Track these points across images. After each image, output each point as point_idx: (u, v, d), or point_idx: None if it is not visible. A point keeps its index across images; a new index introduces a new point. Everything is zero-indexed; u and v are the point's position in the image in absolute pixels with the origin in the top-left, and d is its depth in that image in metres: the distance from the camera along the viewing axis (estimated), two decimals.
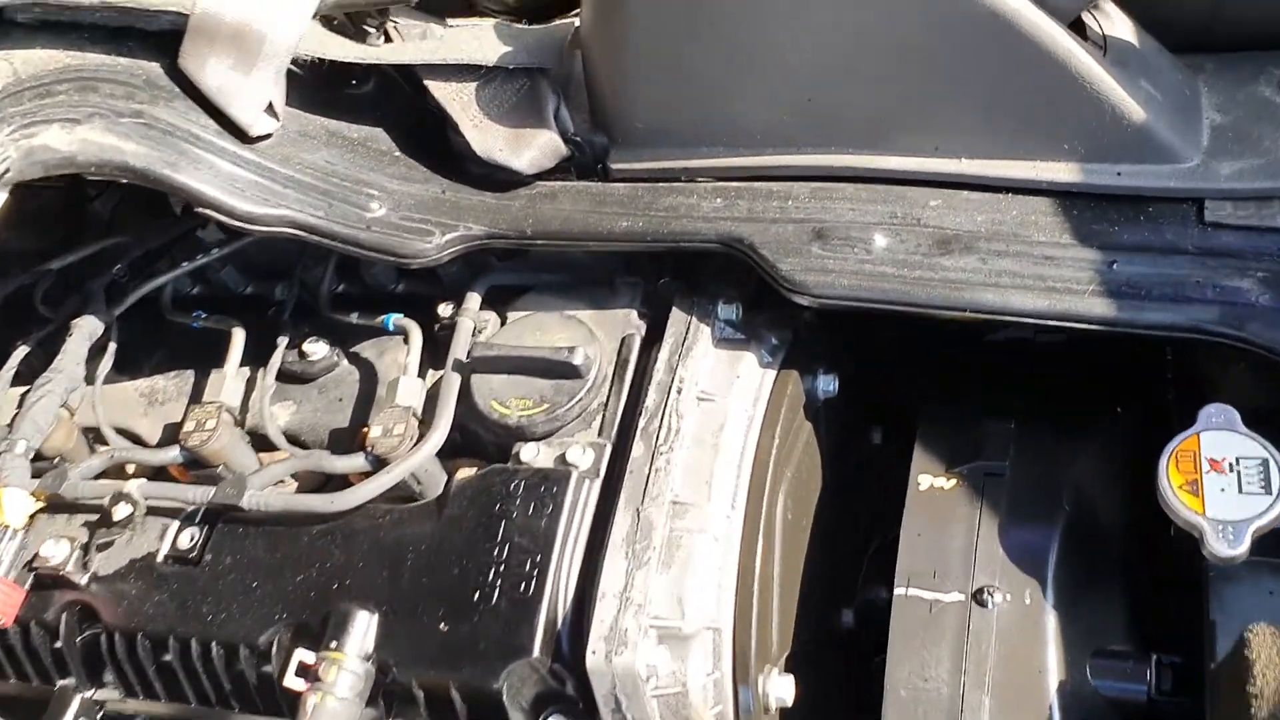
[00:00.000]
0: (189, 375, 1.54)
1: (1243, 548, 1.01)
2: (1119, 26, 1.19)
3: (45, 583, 1.34)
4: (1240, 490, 1.03)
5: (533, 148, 1.33)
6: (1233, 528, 1.02)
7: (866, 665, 1.32)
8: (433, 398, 1.33)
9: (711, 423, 1.23)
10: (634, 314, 1.36)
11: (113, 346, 1.54)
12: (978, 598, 1.14)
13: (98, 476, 1.41)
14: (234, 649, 1.25)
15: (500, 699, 1.14)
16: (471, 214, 1.35)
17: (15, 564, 1.35)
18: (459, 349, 1.34)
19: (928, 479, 1.23)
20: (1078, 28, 1.16)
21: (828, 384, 1.35)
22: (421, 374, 1.38)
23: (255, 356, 1.49)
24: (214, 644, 1.25)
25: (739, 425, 1.24)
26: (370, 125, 1.43)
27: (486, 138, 1.34)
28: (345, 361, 1.48)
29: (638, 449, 1.21)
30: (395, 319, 1.43)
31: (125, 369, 1.57)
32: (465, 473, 1.31)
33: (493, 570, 1.17)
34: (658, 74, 1.26)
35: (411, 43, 1.38)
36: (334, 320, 1.49)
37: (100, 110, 1.28)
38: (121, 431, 1.50)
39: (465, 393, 1.31)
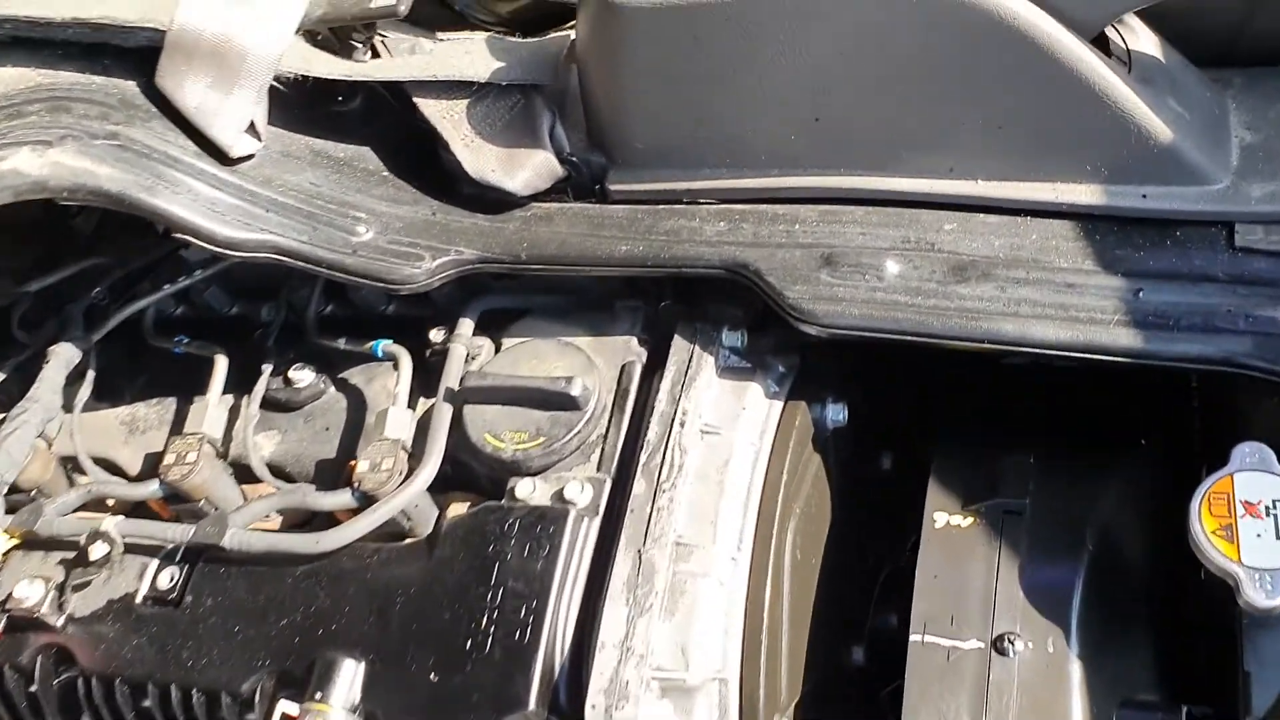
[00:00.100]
0: (171, 403, 1.49)
1: None
2: (1143, 41, 1.13)
3: (19, 624, 1.29)
4: (1278, 536, 0.97)
5: (527, 168, 1.28)
6: (1270, 576, 0.96)
7: (877, 701, 1.26)
8: (424, 428, 1.27)
9: (716, 458, 1.17)
10: (634, 340, 1.31)
11: (92, 373, 1.48)
12: (998, 646, 1.08)
13: (76, 510, 1.35)
14: (215, 696, 1.19)
15: None
16: (463, 237, 1.29)
17: None
18: (451, 377, 1.28)
19: (944, 516, 1.17)
20: (1100, 43, 1.10)
21: (837, 413, 1.29)
22: (412, 403, 1.33)
23: (239, 383, 1.44)
24: (195, 691, 1.20)
25: (745, 460, 1.18)
26: (357, 144, 1.37)
27: (478, 158, 1.28)
28: (332, 389, 1.43)
29: (639, 486, 1.16)
30: (384, 345, 1.37)
31: (105, 396, 1.51)
32: (457, 508, 1.25)
33: (486, 616, 1.12)
34: (658, 91, 1.20)
35: (400, 58, 1.32)
36: (321, 345, 1.43)
37: (73, 132, 1.22)
38: (101, 461, 1.45)
39: (457, 424, 1.26)
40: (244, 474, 1.38)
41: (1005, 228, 1.16)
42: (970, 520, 1.17)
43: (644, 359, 1.29)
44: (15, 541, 1.33)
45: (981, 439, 1.25)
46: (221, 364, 1.42)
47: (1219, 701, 1.06)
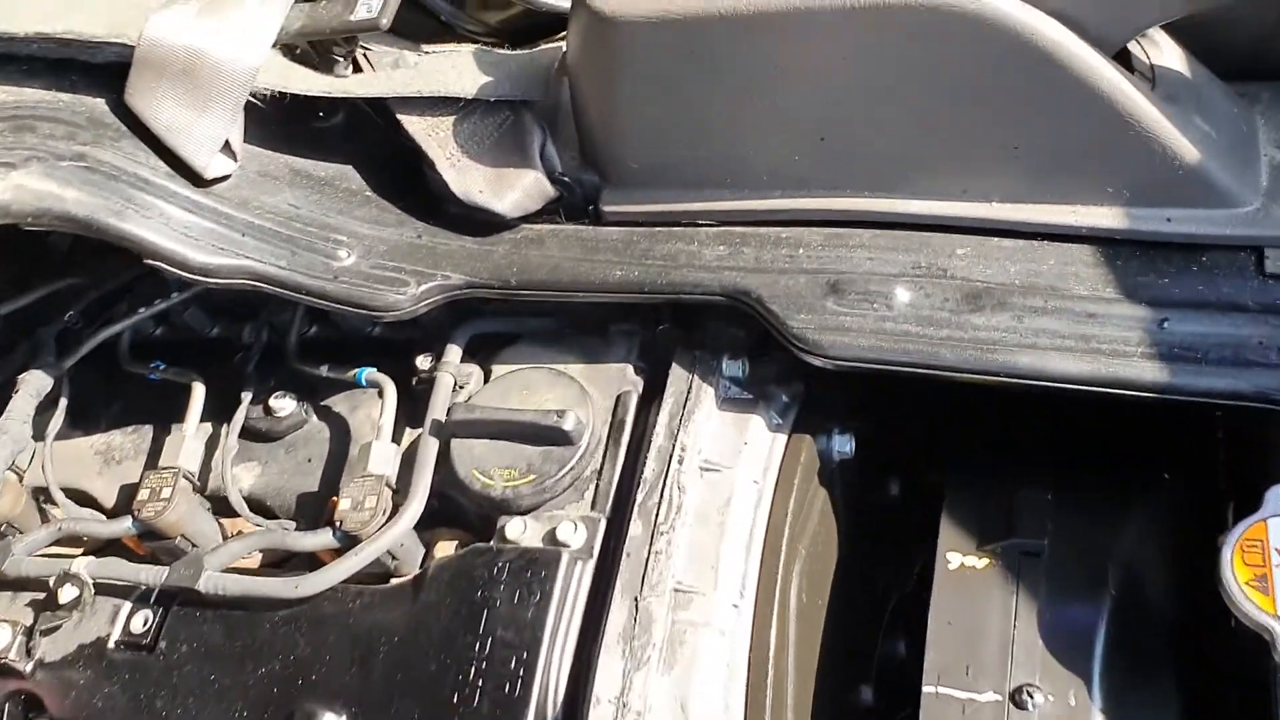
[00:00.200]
0: (147, 431, 1.43)
1: None
2: (1168, 56, 1.07)
3: None
4: None
5: (516, 189, 1.21)
6: None
7: None
8: (409, 462, 1.21)
9: (717, 497, 1.11)
10: (630, 368, 1.24)
11: (64, 400, 1.42)
12: (1016, 698, 1.02)
13: (49, 545, 1.29)
14: None
15: None
16: (450, 261, 1.23)
17: None
18: (437, 409, 1.22)
19: (957, 557, 1.11)
20: (1122, 59, 1.04)
21: (843, 444, 1.23)
22: (397, 434, 1.27)
23: (219, 410, 1.38)
24: None
25: (747, 499, 1.12)
26: (339, 162, 1.31)
27: (465, 178, 1.22)
28: (315, 418, 1.36)
29: (635, 527, 1.10)
30: (368, 374, 1.30)
31: (79, 424, 1.45)
32: (445, 546, 1.19)
33: (474, 667, 1.05)
34: (654, 107, 1.14)
35: (383, 73, 1.25)
36: (303, 372, 1.37)
37: (38, 153, 1.16)
38: (75, 493, 1.39)
39: (444, 458, 1.19)
40: (223, 506, 1.32)
41: (1021, 253, 1.10)
42: (986, 562, 1.11)
43: (640, 388, 1.23)
44: None
45: (995, 472, 1.19)
46: (199, 392, 1.36)
47: None
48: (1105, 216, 1.07)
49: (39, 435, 1.39)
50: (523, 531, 1.13)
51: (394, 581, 1.17)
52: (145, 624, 1.20)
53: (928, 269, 1.10)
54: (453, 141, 1.22)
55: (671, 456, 1.13)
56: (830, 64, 1.05)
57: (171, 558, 1.24)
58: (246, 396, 1.36)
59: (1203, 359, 1.00)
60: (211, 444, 1.37)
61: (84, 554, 1.32)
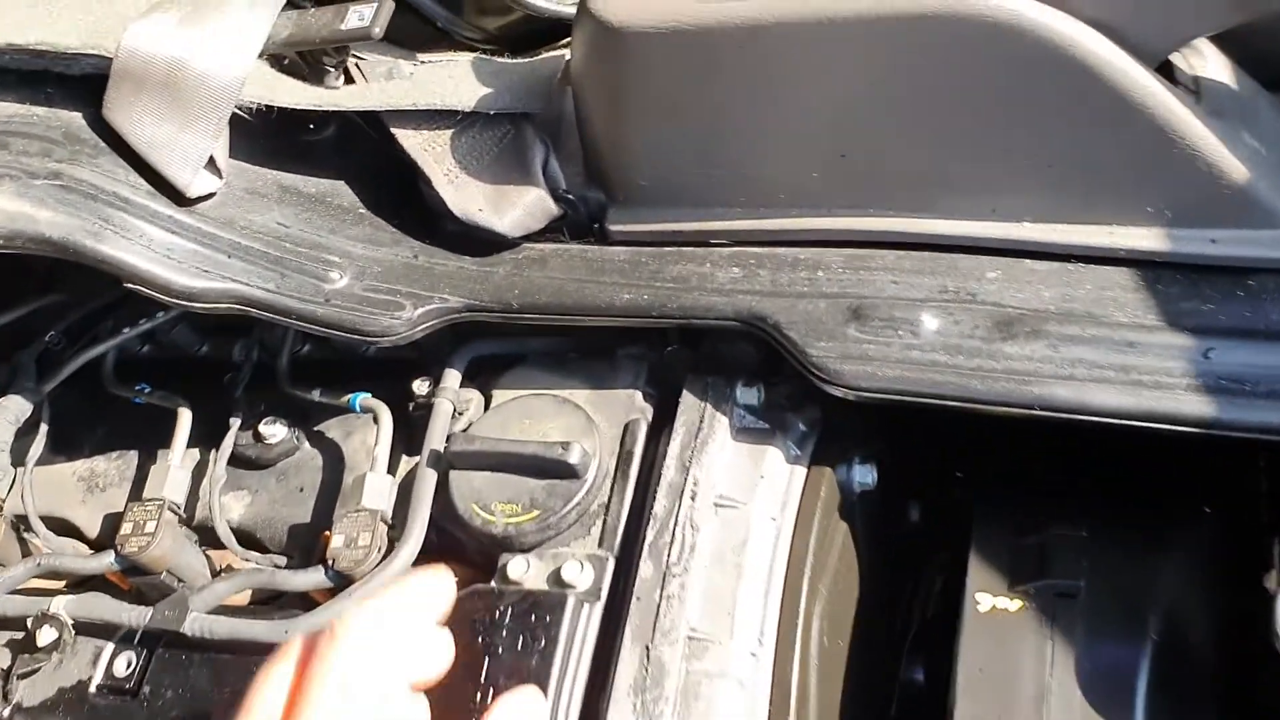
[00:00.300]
0: (133, 456, 1.36)
1: None
2: (1213, 66, 1.01)
3: None
4: None
5: (518, 207, 1.15)
6: None
7: None
8: (405, 494, 1.15)
9: (733, 536, 1.05)
10: (638, 395, 1.18)
11: (45, 425, 1.35)
12: None
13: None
14: None
15: None
16: (448, 283, 1.16)
17: None
18: (435, 438, 1.16)
19: (988, 599, 1.05)
20: (1165, 70, 0.97)
21: (864, 475, 1.16)
22: (393, 463, 1.20)
23: (207, 435, 1.31)
24: None
25: (765, 538, 1.06)
26: (330, 178, 1.24)
27: (464, 195, 1.15)
28: (307, 444, 1.30)
29: (645, 568, 1.03)
30: (362, 400, 1.24)
31: (61, 449, 1.38)
32: None
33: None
34: (663, 121, 1.07)
35: (376, 84, 1.19)
36: (295, 396, 1.30)
37: (10, 171, 1.10)
38: (56, 521, 1.33)
39: (442, 490, 1.13)
40: (210, 537, 1.26)
41: (1055, 276, 1.03)
42: (1018, 604, 1.04)
43: (649, 416, 1.17)
44: None
45: (1024, 505, 1.12)
46: (185, 418, 1.30)
47: None
48: (1145, 238, 1.01)
49: (19, 461, 1.33)
50: (526, 571, 1.07)
51: None
52: (129, 667, 1.14)
53: (956, 293, 1.03)
54: (450, 156, 1.16)
55: (683, 492, 1.06)
56: (853, 76, 0.98)
57: (157, 593, 1.19)
58: (235, 422, 1.30)
59: (1251, 391, 0.94)
60: (199, 471, 1.30)
61: (66, 586, 1.27)
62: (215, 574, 1.24)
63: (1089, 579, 1.04)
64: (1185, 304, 0.99)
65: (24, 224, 1.07)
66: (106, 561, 1.20)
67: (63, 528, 1.33)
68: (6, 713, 1.15)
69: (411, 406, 1.24)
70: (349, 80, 1.20)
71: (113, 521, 1.29)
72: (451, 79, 1.18)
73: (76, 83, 1.15)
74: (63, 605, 1.17)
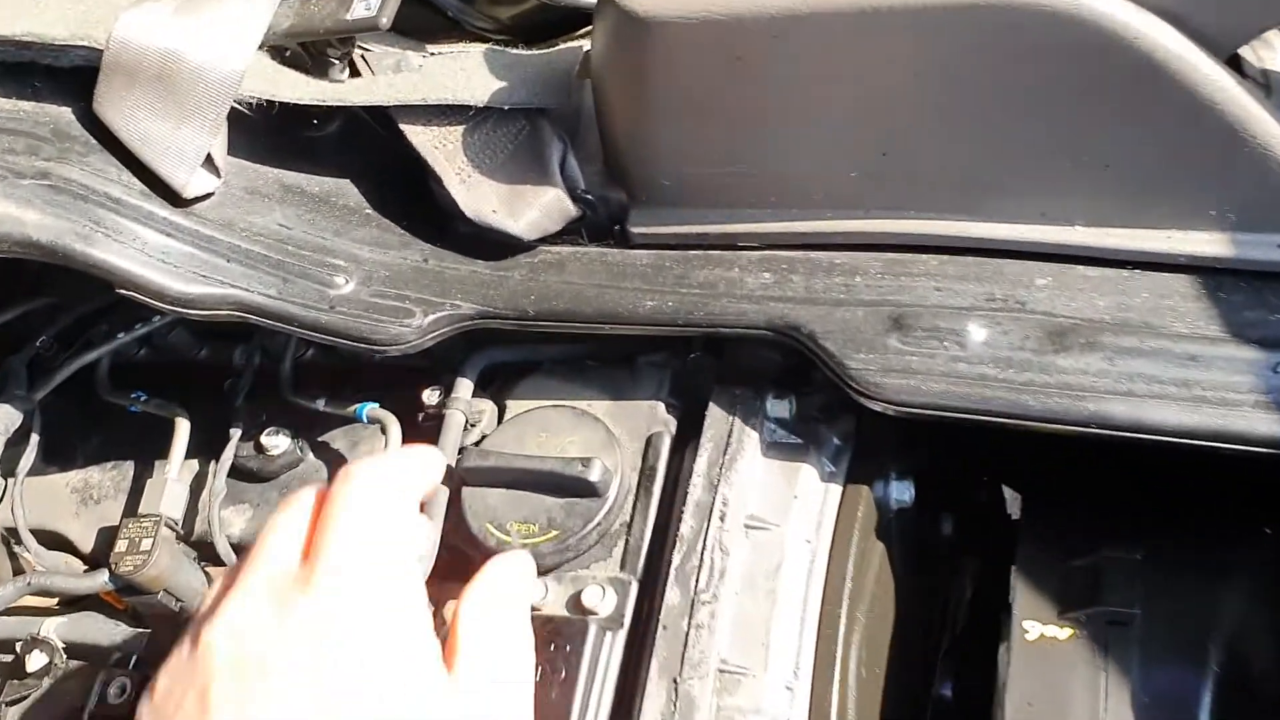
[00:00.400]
0: (128, 466, 1.30)
1: None
2: None
3: None
4: None
5: (534, 208, 1.08)
6: None
7: None
8: None
9: (765, 561, 0.99)
10: (661, 406, 1.11)
11: (36, 435, 1.30)
12: None
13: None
14: None
15: None
16: (459, 288, 1.10)
17: None
18: (447, 452, 1.10)
19: (1036, 627, 0.98)
20: (1233, 64, 0.91)
21: (901, 491, 1.10)
22: None
23: (206, 446, 1.25)
24: None
25: (800, 562, 0.99)
26: (335, 177, 1.17)
27: (477, 195, 1.09)
28: (311, 455, 1.24)
29: (672, 595, 0.97)
30: (370, 410, 1.18)
31: (53, 459, 1.33)
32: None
33: None
34: (690, 117, 1.01)
35: (383, 77, 1.12)
36: (298, 405, 1.24)
37: None
38: (48, 535, 1.27)
39: (454, 506, 1.07)
40: (210, 553, 1.20)
41: (1109, 283, 0.97)
42: (1069, 632, 0.98)
43: (673, 429, 1.10)
44: None
45: (1072, 523, 1.06)
46: (183, 428, 1.24)
47: None
48: (1207, 243, 0.94)
49: (9, 472, 1.28)
50: (544, 596, 1.01)
51: None
52: (123, 692, 1.09)
53: (1004, 302, 0.97)
54: (462, 154, 1.09)
55: (712, 512, 1.00)
56: (897, 69, 0.91)
57: (154, 613, 1.13)
58: (236, 432, 1.24)
59: None
60: (197, 484, 1.24)
61: (58, 604, 1.22)
62: None
63: (1144, 605, 0.98)
64: (1250, 314, 0.93)
65: (10, 227, 1.01)
66: (100, 581, 1.14)
67: (55, 541, 1.27)
68: None
69: (421, 417, 1.18)
70: (354, 73, 1.13)
71: (107, 535, 1.23)
72: (463, 72, 1.11)
73: (65, 76, 1.08)
74: (53, 628, 1.12)
